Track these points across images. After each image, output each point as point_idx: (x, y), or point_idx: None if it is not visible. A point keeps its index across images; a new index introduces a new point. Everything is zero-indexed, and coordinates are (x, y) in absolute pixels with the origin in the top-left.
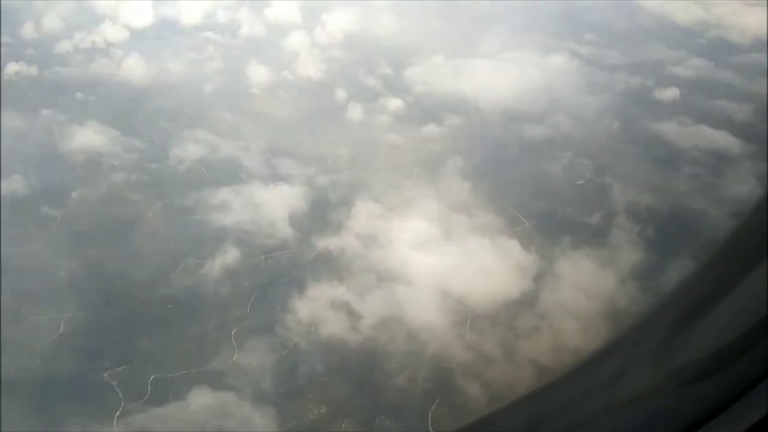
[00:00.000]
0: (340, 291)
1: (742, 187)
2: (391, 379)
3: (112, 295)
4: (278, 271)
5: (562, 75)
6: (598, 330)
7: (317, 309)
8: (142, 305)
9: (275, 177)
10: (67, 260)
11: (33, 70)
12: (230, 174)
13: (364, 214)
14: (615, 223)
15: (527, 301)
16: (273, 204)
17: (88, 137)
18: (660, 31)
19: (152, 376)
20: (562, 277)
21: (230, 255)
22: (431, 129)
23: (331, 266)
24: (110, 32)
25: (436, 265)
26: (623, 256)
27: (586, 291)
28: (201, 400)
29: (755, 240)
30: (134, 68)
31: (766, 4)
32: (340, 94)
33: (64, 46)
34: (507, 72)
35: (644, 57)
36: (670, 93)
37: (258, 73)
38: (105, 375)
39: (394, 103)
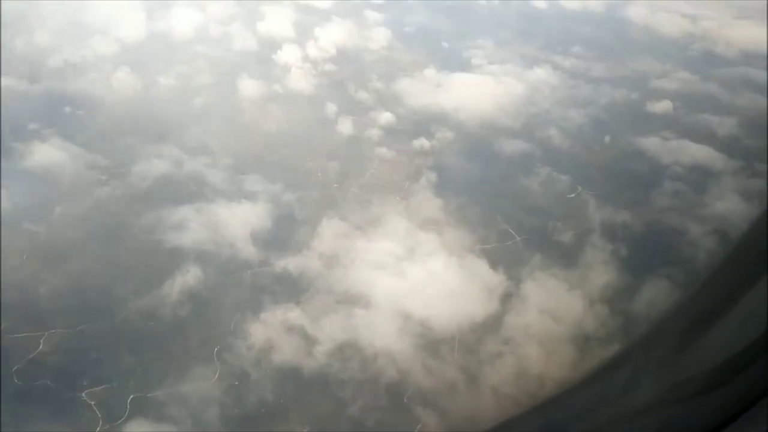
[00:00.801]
0: (295, 314)
1: (724, 205)
2: (348, 407)
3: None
4: (236, 292)
5: (546, 88)
6: (562, 356)
7: (273, 333)
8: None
9: (240, 194)
10: (49, 276)
11: (23, 84)
12: (193, 191)
13: (328, 233)
14: (588, 241)
15: (492, 325)
16: (235, 222)
17: (49, 154)
18: (647, 43)
19: (132, 396)
20: (529, 299)
21: (190, 276)
22: (421, 143)
23: (290, 288)
24: (101, 46)
25: (398, 286)
26: (594, 276)
27: (553, 314)
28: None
29: (754, 257)
30: (123, 82)
31: (754, 18)
32: (331, 108)
33: (54, 60)
34: (489, 86)
35: (630, 70)
36: (658, 106)
37: (248, 87)
38: (83, 394)
39: (385, 117)
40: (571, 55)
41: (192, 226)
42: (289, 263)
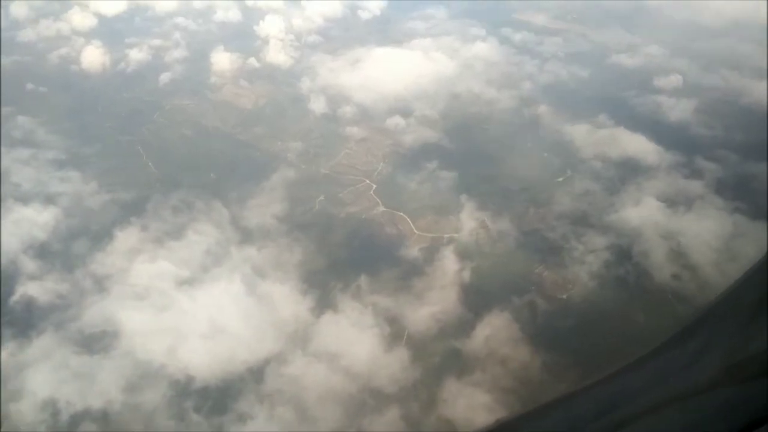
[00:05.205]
0: (4, 358)
1: (637, 212)
2: None
3: None
4: None
5: (480, 65)
6: (325, 423)
7: None
8: None
9: (38, 196)
10: None
11: None
12: None
13: (116, 247)
14: (438, 257)
15: (258, 373)
16: (6, 232)
17: None
18: (623, 12)
19: None
20: (318, 339)
21: None
22: (396, 121)
23: (20, 322)
24: (78, 19)
25: (155, 323)
26: (419, 308)
27: (340, 361)
28: None
29: None
30: (94, 57)
31: None
32: (306, 83)
33: (27, 34)
34: (414, 63)
35: (591, 43)
36: (605, 86)
37: (222, 61)
38: None
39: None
40: (527, 27)
41: None
42: (38, 288)
